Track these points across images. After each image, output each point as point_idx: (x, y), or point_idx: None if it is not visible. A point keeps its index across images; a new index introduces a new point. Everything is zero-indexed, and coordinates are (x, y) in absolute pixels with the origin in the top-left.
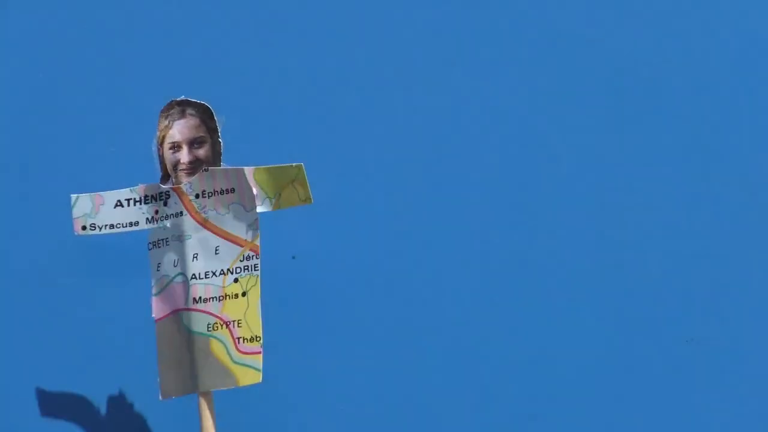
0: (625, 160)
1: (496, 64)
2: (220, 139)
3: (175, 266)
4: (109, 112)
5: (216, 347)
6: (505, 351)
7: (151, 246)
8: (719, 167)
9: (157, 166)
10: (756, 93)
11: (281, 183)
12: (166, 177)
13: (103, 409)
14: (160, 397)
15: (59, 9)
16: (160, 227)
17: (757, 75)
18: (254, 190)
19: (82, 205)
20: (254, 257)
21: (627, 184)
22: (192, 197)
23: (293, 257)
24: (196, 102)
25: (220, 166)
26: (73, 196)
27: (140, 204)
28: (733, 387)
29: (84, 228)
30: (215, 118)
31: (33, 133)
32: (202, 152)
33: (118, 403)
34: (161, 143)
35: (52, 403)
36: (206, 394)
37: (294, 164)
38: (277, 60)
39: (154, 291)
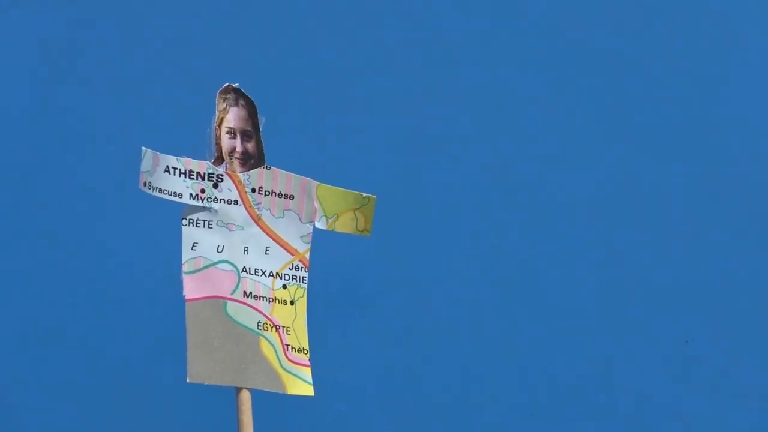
0: (625, 162)
1: (496, 66)
2: (261, 139)
3: (219, 252)
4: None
5: (266, 348)
6: (504, 352)
7: (186, 222)
8: (719, 168)
9: (212, 146)
10: (756, 93)
11: (343, 206)
12: (219, 159)
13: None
14: (188, 380)
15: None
16: (205, 207)
17: (757, 75)
18: (315, 205)
19: (147, 160)
20: (303, 269)
21: (627, 185)
22: (248, 190)
23: None
24: (246, 95)
25: (264, 164)
26: (143, 149)
27: (185, 177)
28: (731, 387)
29: (145, 185)
30: (258, 117)
31: (38, 130)
32: (250, 146)
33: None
34: (219, 124)
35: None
36: (247, 390)
37: (366, 194)
38: (281, 59)
39: (186, 268)
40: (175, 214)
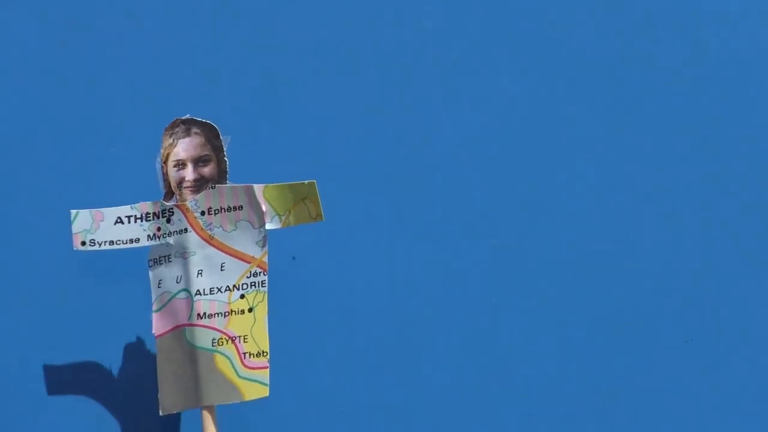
0: (624, 161)
1: (496, 66)
2: (225, 158)
3: (177, 282)
4: (112, 126)
5: (221, 362)
6: (502, 352)
7: (151, 263)
8: (718, 167)
9: (161, 183)
10: (756, 93)
11: (292, 200)
12: (169, 194)
13: (102, 419)
14: (160, 413)
15: (60, 17)
16: (162, 244)
17: (757, 74)
18: (263, 207)
19: (81, 220)
20: (261, 274)
21: (626, 184)
22: (197, 214)
23: (293, 258)
24: (201, 121)
25: (226, 183)
26: (73, 212)
27: (141, 221)
28: (731, 388)
29: (83, 243)
30: (221, 137)
31: (35, 143)
32: (207, 170)
33: (118, 414)
34: (165, 161)
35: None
36: (209, 408)
37: (306, 182)
38: (273, 62)
39: (154, 308)
40: None
